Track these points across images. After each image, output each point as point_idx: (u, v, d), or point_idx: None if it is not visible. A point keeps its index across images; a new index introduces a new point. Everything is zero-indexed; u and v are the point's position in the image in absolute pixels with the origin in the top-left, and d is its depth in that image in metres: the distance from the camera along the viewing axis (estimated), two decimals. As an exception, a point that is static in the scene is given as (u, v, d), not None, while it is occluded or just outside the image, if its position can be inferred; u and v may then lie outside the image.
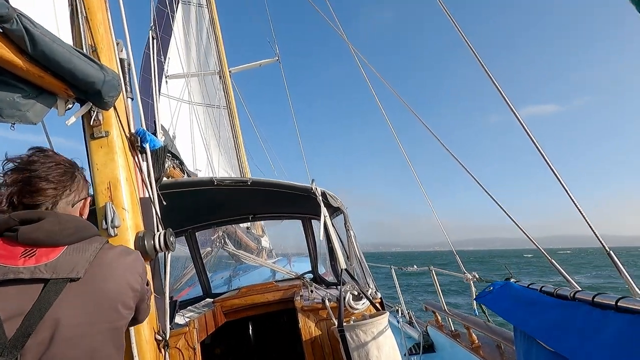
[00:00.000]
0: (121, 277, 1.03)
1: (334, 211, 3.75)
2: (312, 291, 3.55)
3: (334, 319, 2.88)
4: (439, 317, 4.37)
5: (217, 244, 5.66)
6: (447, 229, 3.05)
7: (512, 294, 1.91)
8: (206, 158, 9.15)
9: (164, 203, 2.09)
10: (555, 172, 1.43)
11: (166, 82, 10.07)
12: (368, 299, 2.96)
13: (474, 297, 2.40)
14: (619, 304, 1.27)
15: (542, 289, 1.75)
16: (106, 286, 0.98)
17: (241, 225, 8.27)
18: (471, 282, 3.00)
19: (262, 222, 10.61)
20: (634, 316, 1.19)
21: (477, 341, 3.40)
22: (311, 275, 4.74)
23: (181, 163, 3.74)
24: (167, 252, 1.86)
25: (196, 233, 4.46)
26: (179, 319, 2.98)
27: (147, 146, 2.10)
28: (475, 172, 2.08)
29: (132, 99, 2.18)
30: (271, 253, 11.99)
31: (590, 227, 1.38)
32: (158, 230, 1.89)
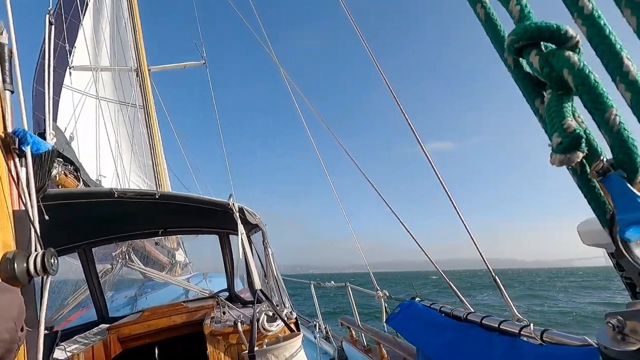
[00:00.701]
0: None
1: (252, 228, 3.63)
2: (224, 312, 3.35)
3: (246, 343, 2.74)
4: (354, 333, 4.47)
5: (120, 260, 5.05)
6: (362, 251, 3.17)
7: (416, 314, 2.02)
8: (116, 164, 8.17)
9: (47, 217, 1.77)
10: (455, 204, 1.57)
11: (70, 73, 8.87)
12: (282, 320, 2.89)
13: (384, 318, 2.48)
14: (501, 326, 1.42)
15: (441, 309, 1.89)
16: None
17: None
18: (382, 299, 3.13)
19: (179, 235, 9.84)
20: (512, 339, 1.33)
21: (386, 356, 3.54)
22: (227, 294, 4.49)
23: (76, 169, 3.27)
24: (45, 277, 1.56)
25: (93, 249, 3.92)
26: (59, 354, 2.53)
27: (27, 149, 1.77)
28: (387, 196, 2.20)
29: (13, 92, 1.84)
30: (187, 268, 11.16)
31: (479, 252, 1.53)
32: (35, 251, 1.58)
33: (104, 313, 3.88)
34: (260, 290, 2.94)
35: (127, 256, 5.14)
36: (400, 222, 2.09)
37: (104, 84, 9.81)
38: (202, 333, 3.06)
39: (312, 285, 5.79)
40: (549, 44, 0.48)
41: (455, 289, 1.78)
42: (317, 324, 5.74)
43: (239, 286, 4.91)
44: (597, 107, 0.42)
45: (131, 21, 9.81)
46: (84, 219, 3.28)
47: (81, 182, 3.42)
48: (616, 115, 0.42)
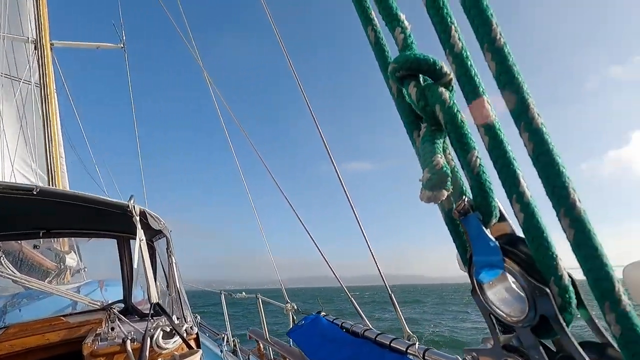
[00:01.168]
0: None
1: (156, 234, 3.30)
2: (112, 328, 2.96)
3: None
4: (262, 346, 4.34)
5: (-17, 265, 4.16)
6: (279, 266, 3.10)
7: (319, 329, 2.02)
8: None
9: None
10: (359, 220, 1.60)
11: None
12: (180, 336, 2.65)
13: (289, 330, 2.44)
14: (391, 344, 1.46)
15: (343, 324, 1.91)
16: None
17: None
18: (290, 312, 3.08)
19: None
20: (400, 356, 1.37)
21: (291, 370, 3.49)
22: (122, 305, 4.00)
23: None
24: None
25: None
26: None
27: None
28: (304, 215, 2.18)
29: None
30: (79, 274, 9.77)
31: (379, 270, 1.57)
32: None
33: None
34: (157, 303, 2.65)
35: (-6, 260, 4.26)
36: (311, 237, 2.08)
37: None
38: (81, 353, 2.65)
39: (222, 295, 5.53)
40: (428, 77, 0.47)
41: (357, 305, 1.81)
42: (226, 336, 5.48)
43: (140, 296, 4.43)
44: (461, 147, 0.42)
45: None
46: None
47: None
48: (477, 157, 0.42)
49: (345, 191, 1.61)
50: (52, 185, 8.30)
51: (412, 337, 1.61)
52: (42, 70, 8.61)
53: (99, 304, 4.07)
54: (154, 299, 2.61)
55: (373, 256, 1.54)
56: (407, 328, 1.56)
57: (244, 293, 4.55)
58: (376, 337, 1.58)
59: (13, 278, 4.54)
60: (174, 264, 3.16)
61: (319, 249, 2.02)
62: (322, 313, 2.21)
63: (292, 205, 2.20)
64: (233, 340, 5.19)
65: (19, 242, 5.35)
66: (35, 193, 2.34)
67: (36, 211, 2.98)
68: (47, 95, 8.56)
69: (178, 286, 3.12)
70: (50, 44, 8.74)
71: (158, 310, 3.19)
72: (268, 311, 4.05)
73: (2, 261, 4.46)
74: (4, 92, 8.55)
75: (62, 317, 3.24)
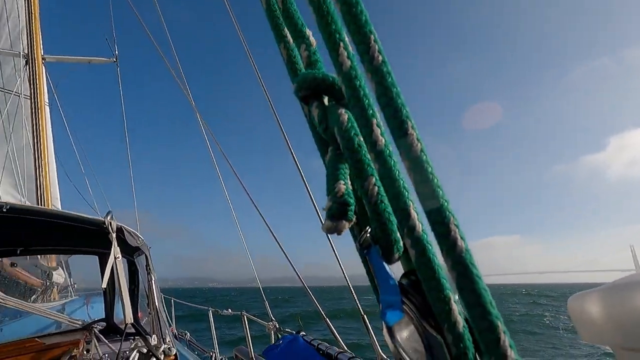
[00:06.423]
0: None
1: (135, 251, 3.22)
2: (88, 350, 2.85)
3: None
4: (248, 365, 4.22)
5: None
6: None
7: (294, 350, 1.96)
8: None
9: None
10: (322, 219, 1.56)
11: None
12: (157, 358, 2.55)
13: (264, 349, 2.37)
14: (361, 368, 1.39)
15: (319, 346, 1.85)
16: None
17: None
18: (272, 331, 3.00)
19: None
20: None
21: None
22: (104, 324, 3.89)
23: None
24: None
25: None
26: None
27: None
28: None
29: None
30: (67, 290, 9.57)
31: (342, 271, 1.52)
32: None
33: None
34: (132, 324, 2.57)
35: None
36: (277, 241, 2.03)
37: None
38: None
39: (210, 313, 5.42)
40: (331, 98, 0.44)
41: (331, 325, 1.75)
42: (214, 354, 5.34)
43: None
44: (358, 174, 0.38)
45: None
46: None
47: None
48: (375, 185, 0.38)
49: (306, 185, 1.58)
50: (41, 201, 8.18)
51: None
52: (33, 84, 8.60)
53: (80, 322, 3.95)
54: (129, 319, 2.52)
55: (335, 254, 1.50)
56: (380, 351, 1.50)
57: (229, 310, 4.46)
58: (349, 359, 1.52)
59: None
60: (153, 282, 3.08)
61: (284, 252, 1.97)
62: (302, 333, 2.15)
63: (260, 210, 2.16)
64: (221, 359, 5.06)
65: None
66: (5, 210, 2.27)
67: (11, 228, 2.90)
68: (38, 109, 8.52)
69: (157, 305, 3.03)
70: (42, 58, 8.75)
71: (138, 329, 3.09)
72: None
73: (-20, 279, 4.35)
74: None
75: (36, 339, 3.13)
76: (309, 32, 0.45)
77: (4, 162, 8.30)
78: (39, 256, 7.81)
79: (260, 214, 2.14)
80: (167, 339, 2.89)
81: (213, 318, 5.36)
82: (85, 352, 2.79)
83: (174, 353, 2.77)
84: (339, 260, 1.47)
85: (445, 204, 0.30)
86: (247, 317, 3.82)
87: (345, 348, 1.72)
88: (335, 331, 1.73)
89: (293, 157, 1.67)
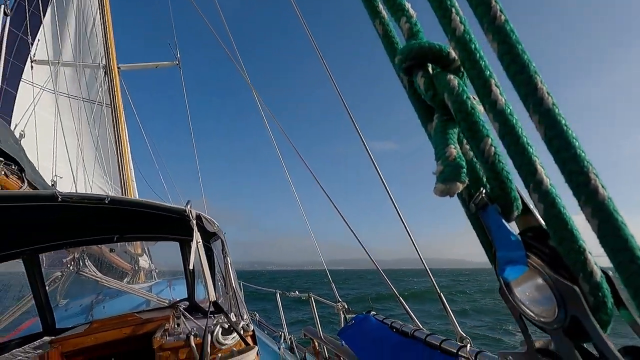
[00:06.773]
0: None
1: (211, 236, 3.50)
2: (178, 324, 3.20)
3: (197, 358, 2.62)
4: (317, 344, 4.41)
5: (71, 267, 4.75)
6: (320, 249, 3.13)
7: (368, 328, 2.01)
8: (71, 164, 7.69)
9: None
10: (395, 203, 1.56)
11: (32, 67, 8.40)
12: (238, 333, 2.78)
13: (339, 330, 2.45)
14: (442, 345, 1.40)
15: (392, 324, 1.88)
16: None
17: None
18: (341, 312, 3.09)
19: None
20: (452, 358, 1.32)
21: (345, 369, 3.50)
22: (187, 303, 4.32)
23: (21, 169, 3.06)
24: None
25: (42, 255, 3.66)
26: None
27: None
28: (338, 197, 2.18)
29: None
30: (151, 274, 10.73)
31: (420, 256, 1.52)
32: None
33: (50, 324, 3.61)
34: (214, 302, 2.82)
35: (80, 262, 4.84)
36: (349, 227, 2.06)
37: (66, 80, 9.34)
38: (151, 346, 2.90)
39: (277, 295, 5.72)
40: (436, 66, 0.45)
41: (405, 305, 1.77)
42: (283, 334, 5.66)
43: (203, 294, 4.75)
44: (473, 136, 0.39)
45: (101, 15, 9.43)
46: (27, 224, 3.07)
47: (26, 183, 3.18)
48: (491, 146, 0.39)
49: (378, 172, 1.58)
50: (124, 195, 9.24)
51: (465, 338, 1.52)
52: (112, 92, 9.60)
53: (167, 301, 4.44)
54: (212, 297, 2.77)
55: (410, 236, 1.49)
56: (459, 329, 1.48)
57: (296, 292, 4.67)
58: (426, 337, 1.53)
59: (96, 279, 5.12)
60: (229, 264, 3.34)
61: (357, 238, 2.00)
62: (372, 312, 2.19)
63: (330, 196, 2.21)
64: (290, 338, 5.33)
65: (99, 246, 6.03)
66: (107, 202, 2.62)
67: (109, 218, 3.33)
68: (118, 115, 9.52)
69: (234, 285, 3.29)
70: (118, 68, 9.72)
71: (219, 307, 3.38)
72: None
73: (87, 264, 5.06)
74: (83, 113, 9.66)
75: (135, 314, 3.58)
76: (408, 5, 0.47)
77: (94, 163, 9.46)
78: (127, 243, 8.86)
79: (327, 194, 2.19)
80: (245, 317, 3.13)
81: (280, 299, 5.65)
82: (176, 326, 3.12)
83: (252, 329, 2.99)
84: (414, 243, 1.46)
85: (582, 153, 0.30)
86: (314, 299, 3.98)
87: (420, 325, 1.72)
88: (409, 309, 1.75)
89: (361, 138, 1.68)
